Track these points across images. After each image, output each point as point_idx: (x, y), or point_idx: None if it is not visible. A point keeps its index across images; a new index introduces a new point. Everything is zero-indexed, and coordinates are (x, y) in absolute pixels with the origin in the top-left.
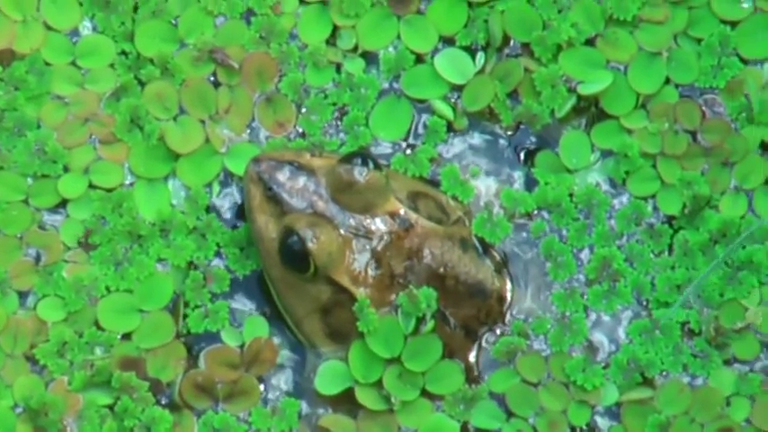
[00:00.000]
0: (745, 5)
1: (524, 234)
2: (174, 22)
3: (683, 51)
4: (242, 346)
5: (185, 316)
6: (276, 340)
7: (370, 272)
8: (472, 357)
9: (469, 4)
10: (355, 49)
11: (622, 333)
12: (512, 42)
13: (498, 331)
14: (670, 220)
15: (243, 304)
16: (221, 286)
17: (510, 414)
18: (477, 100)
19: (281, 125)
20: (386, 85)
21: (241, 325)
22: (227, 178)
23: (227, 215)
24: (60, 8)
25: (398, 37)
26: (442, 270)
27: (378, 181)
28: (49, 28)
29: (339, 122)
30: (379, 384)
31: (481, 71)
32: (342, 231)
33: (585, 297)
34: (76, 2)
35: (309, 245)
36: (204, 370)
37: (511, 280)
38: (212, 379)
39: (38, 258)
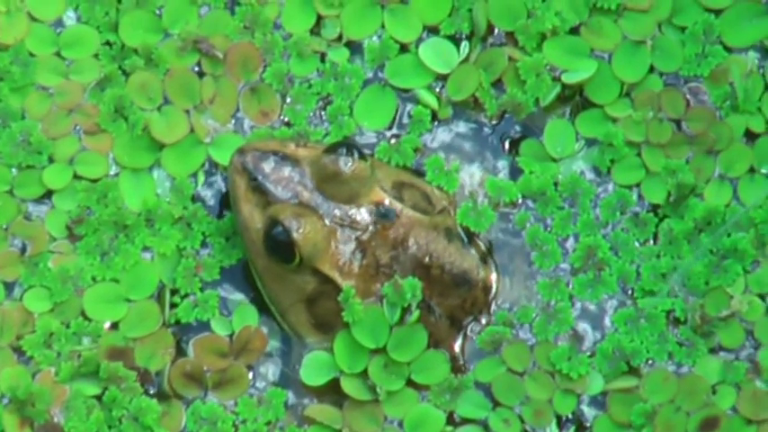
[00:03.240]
0: None
1: (509, 223)
2: (158, 12)
3: (668, 39)
4: (231, 335)
5: (172, 305)
6: (265, 329)
7: (356, 262)
8: (457, 347)
9: None
10: (339, 38)
11: (608, 322)
12: (496, 31)
13: (483, 321)
14: (655, 208)
15: (229, 293)
16: (211, 274)
17: (496, 403)
18: (461, 89)
19: (265, 115)
20: (370, 75)
21: (229, 314)
22: (211, 168)
23: (213, 205)
24: None
25: (382, 26)
26: (427, 260)
27: (363, 171)
28: (32, 19)
29: (323, 112)
30: (364, 374)
31: (465, 60)
32: (327, 221)
33: (571, 286)
34: None
35: (294, 235)
36: (193, 359)
37: (496, 269)
38: (201, 367)
39: (23, 249)
